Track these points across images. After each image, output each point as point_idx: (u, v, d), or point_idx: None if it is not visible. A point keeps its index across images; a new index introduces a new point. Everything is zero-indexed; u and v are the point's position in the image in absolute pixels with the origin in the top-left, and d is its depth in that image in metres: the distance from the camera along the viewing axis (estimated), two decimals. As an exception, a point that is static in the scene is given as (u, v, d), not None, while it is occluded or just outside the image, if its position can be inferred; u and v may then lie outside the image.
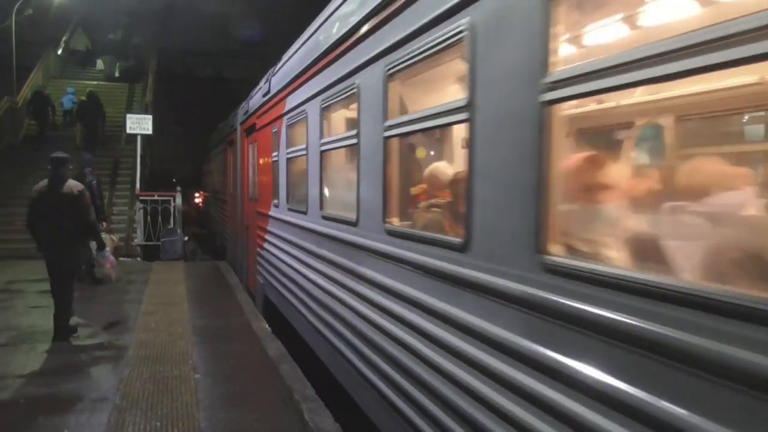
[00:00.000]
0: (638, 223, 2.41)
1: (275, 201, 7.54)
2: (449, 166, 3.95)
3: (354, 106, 4.34)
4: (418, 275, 3.33)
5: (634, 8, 2.56)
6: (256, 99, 9.44)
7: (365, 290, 4.10)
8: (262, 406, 4.97)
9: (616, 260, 2.19)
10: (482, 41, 2.65)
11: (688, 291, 1.69)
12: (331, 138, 5.13)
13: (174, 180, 24.02)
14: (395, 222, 3.73)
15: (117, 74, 23.90)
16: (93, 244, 8.86)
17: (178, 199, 14.75)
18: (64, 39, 24.05)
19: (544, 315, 2.25)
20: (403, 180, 3.80)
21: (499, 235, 2.56)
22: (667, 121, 2.98)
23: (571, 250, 2.23)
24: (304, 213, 5.86)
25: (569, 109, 2.39)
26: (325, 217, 5.17)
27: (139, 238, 14.25)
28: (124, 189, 16.35)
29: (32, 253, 12.74)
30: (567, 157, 2.41)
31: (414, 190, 4.02)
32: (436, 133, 4.54)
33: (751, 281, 1.74)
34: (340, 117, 5.23)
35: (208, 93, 27.96)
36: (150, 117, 15.53)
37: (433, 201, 3.70)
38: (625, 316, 1.89)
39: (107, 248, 7.98)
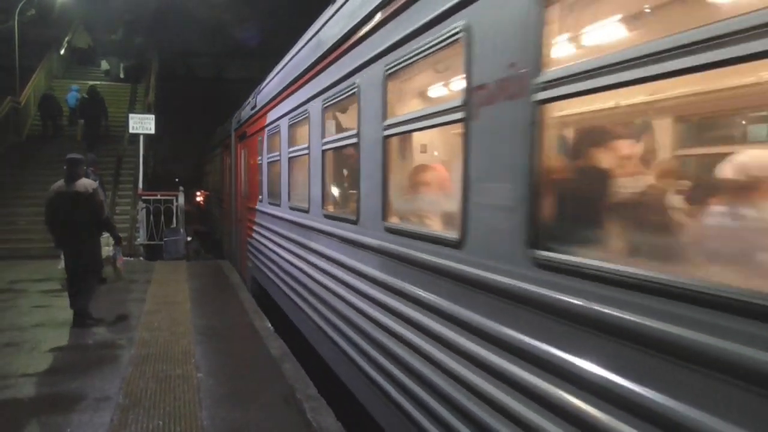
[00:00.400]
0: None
1: (260, 197, 9.07)
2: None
3: (307, 126, 5.95)
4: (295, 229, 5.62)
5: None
6: (246, 111, 10.94)
7: (314, 259, 5.70)
8: (265, 405, 4.97)
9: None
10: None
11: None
12: (294, 148, 6.69)
13: (176, 180, 24.10)
14: (327, 206, 5.46)
15: (122, 75, 23.91)
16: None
17: (181, 199, 14.77)
18: (66, 39, 24.07)
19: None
20: (319, 178, 5.59)
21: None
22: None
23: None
24: (278, 205, 7.52)
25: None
26: (291, 208, 6.81)
27: (141, 238, 14.28)
28: (126, 189, 16.37)
29: (34, 253, 12.86)
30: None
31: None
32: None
33: None
34: (301, 132, 6.50)
35: (210, 93, 28.00)
36: (152, 117, 15.55)
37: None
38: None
39: (109, 248, 8.49)
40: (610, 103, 2.92)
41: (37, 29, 23.28)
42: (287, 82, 6.97)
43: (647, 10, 2.54)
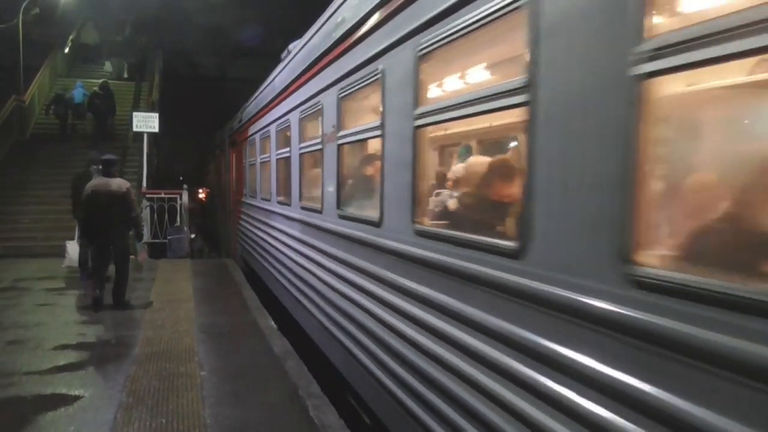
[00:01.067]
0: None
1: (245, 191, 12.12)
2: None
3: (269, 142, 8.76)
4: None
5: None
6: (235, 123, 13.80)
7: (279, 236, 8.05)
8: (268, 403, 4.97)
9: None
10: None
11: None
12: (263, 155, 9.64)
13: (180, 178, 24.16)
14: (279, 195, 8.21)
15: (126, 75, 23.99)
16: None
17: (185, 197, 14.79)
18: (71, 38, 24.09)
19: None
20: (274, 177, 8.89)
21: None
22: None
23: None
24: (254, 197, 10.67)
25: None
26: (262, 198, 9.85)
27: (145, 236, 14.29)
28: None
29: (38, 251, 12.90)
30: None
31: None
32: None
33: None
34: (268, 144, 9.07)
35: (213, 92, 28.04)
36: (156, 115, 15.54)
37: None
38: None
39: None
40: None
41: (40, 28, 23.28)
42: (260, 106, 10.00)
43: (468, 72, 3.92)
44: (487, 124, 4.72)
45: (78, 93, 18.90)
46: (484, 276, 2.76)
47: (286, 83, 7.47)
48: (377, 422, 4.11)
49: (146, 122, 15.18)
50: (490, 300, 2.73)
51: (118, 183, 8.02)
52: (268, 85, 9.19)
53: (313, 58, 6.00)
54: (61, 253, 11.55)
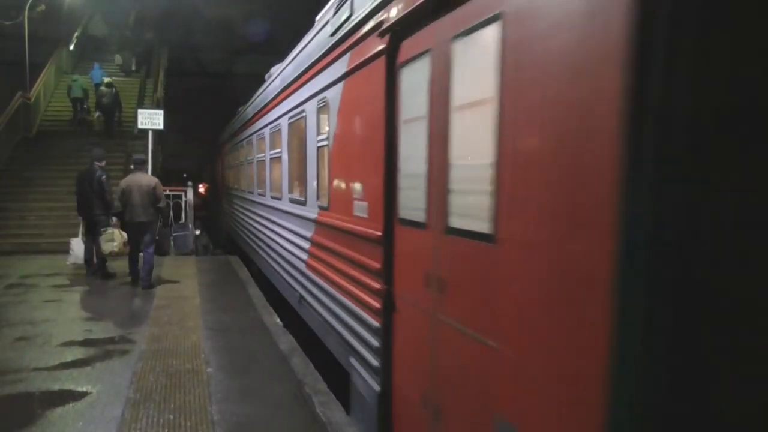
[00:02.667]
0: None
1: (229, 185, 16.84)
2: None
3: (252, 148, 11.49)
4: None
5: None
6: (223, 136, 19.11)
7: (248, 213, 11.78)
8: (274, 400, 5.00)
9: None
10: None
11: None
12: (236, 161, 14.63)
13: (185, 175, 24.27)
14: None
15: (134, 67, 24.21)
16: (101, 240, 9.75)
17: (189, 194, 14.84)
18: (76, 35, 24.13)
19: None
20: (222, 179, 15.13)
21: None
22: None
23: None
24: (238, 189, 14.28)
25: None
26: (239, 189, 13.89)
27: None
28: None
29: (44, 248, 12.97)
30: None
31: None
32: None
33: None
34: (251, 149, 11.70)
35: (219, 88, 28.08)
36: (161, 112, 15.56)
37: None
38: None
39: (114, 243, 9.69)
40: None
41: (46, 25, 23.35)
42: (235, 129, 14.97)
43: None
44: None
45: (96, 74, 19.36)
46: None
47: (257, 109, 10.68)
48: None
49: (151, 119, 15.20)
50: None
51: (149, 178, 9.74)
52: (249, 106, 12.38)
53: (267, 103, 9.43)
54: (67, 249, 11.62)
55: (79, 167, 11.29)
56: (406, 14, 3.44)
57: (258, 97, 10.88)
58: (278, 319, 7.71)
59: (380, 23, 3.89)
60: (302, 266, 6.53)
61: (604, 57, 1.93)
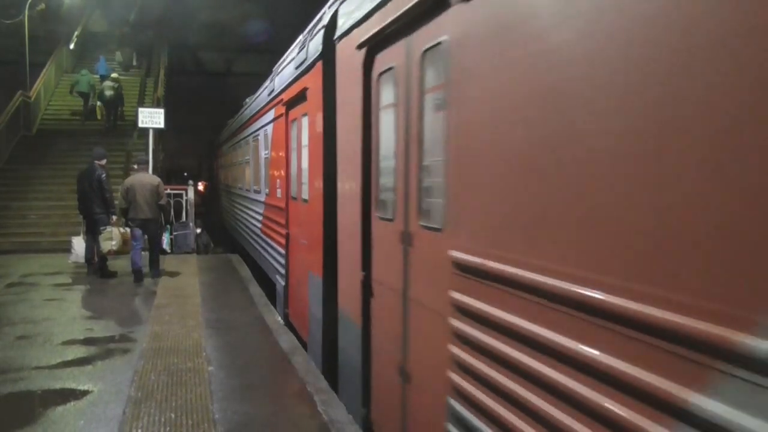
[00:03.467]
0: None
1: (222, 181, 20.68)
2: None
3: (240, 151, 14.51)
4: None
5: None
6: (218, 139, 22.21)
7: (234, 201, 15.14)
8: (275, 398, 5.00)
9: None
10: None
11: None
12: (226, 162, 19.24)
13: (185, 174, 24.31)
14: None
15: (134, 62, 24.34)
16: (100, 238, 9.83)
17: (190, 193, 14.85)
18: (76, 34, 24.13)
19: None
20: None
21: None
22: None
23: None
24: (229, 185, 17.54)
25: None
26: (227, 185, 18.34)
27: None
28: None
29: (45, 247, 12.97)
30: None
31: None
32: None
33: None
34: (240, 151, 14.45)
35: (219, 87, 28.08)
36: (162, 111, 15.57)
37: None
38: None
39: (114, 242, 9.94)
40: None
41: (46, 24, 23.36)
42: (225, 137, 19.07)
43: None
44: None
45: (102, 66, 19.96)
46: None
47: (244, 122, 13.23)
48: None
49: (152, 118, 15.21)
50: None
51: (150, 178, 10.44)
52: (235, 121, 15.78)
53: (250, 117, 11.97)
54: (68, 248, 11.62)
55: (80, 166, 11.29)
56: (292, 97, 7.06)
57: (238, 117, 15.06)
58: (279, 318, 7.71)
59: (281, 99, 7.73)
60: (258, 231, 10.40)
61: None
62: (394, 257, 3.52)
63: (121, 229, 10.06)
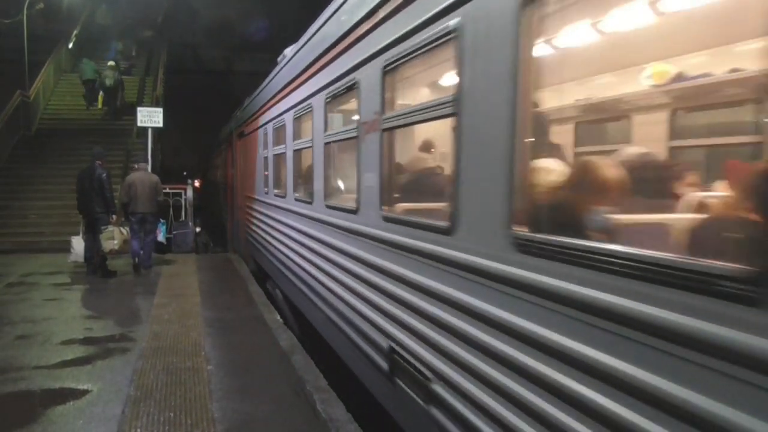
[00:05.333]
0: None
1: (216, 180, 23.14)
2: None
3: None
4: None
5: None
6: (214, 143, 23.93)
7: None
8: (275, 397, 5.01)
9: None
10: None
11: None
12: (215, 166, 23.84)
13: (184, 173, 24.36)
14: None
15: (134, 53, 24.60)
16: (101, 238, 9.83)
17: (189, 192, 14.84)
18: (75, 33, 24.12)
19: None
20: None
21: None
22: None
23: None
24: (217, 183, 21.18)
25: None
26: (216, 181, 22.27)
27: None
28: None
29: (45, 246, 12.99)
30: None
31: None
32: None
33: None
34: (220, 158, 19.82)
35: (219, 86, 28.10)
36: (161, 110, 15.55)
37: None
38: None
39: (115, 241, 10.58)
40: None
41: (45, 23, 23.36)
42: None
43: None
44: None
45: (89, 69, 20.07)
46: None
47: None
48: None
49: (151, 117, 15.19)
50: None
51: (150, 176, 11.32)
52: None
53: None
54: (67, 248, 11.64)
55: (80, 165, 11.31)
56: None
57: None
58: (278, 316, 7.72)
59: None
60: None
61: None
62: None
63: (122, 229, 10.09)
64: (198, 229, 16.07)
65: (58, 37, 22.93)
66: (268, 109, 9.19)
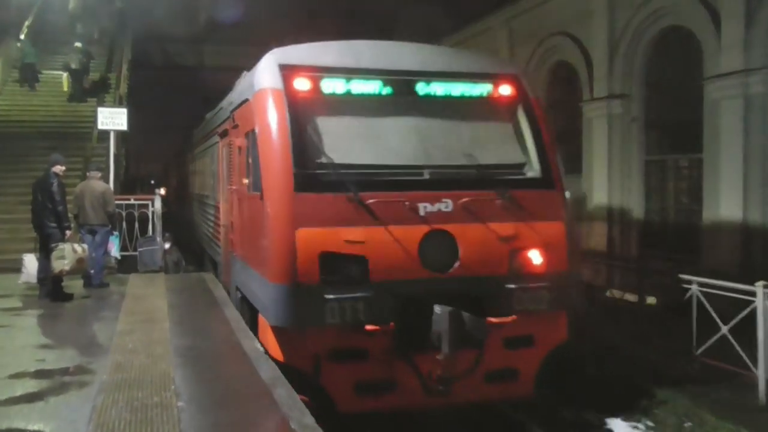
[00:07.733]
0: None
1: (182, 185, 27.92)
2: None
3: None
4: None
5: None
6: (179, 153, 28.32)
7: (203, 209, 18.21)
8: (255, 437, 4.94)
9: None
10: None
11: None
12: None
13: (152, 182, 24.33)
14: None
15: (96, 36, 25.19)
16: (52, 257, 9.83)
17: (157, 203, 14.72)
18: (27, 24, 24.11)
19: None
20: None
21: None
22: None
23: None
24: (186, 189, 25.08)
25: None
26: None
27: (116, 249, 14.23)
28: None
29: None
30: None
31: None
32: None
33: None
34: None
35: (190, 83, 28.20)
36: (125, 111, 15.50)
37: None
38: None
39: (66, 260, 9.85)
40: None
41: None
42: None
43: None
44: None
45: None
46: None
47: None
48: None
49: (113, 119, 15.13)
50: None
51: (100, 185, 11.76)
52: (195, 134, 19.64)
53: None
54: (17, 267, 11.53)
55: (34, 174, 11.32)
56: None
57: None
58: (259, 345, 7.66)
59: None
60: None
61: None
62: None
63: (76, 246, 9.93)
64: (167, 245, 15.96)
65: (6, 29, 22.87)
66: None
